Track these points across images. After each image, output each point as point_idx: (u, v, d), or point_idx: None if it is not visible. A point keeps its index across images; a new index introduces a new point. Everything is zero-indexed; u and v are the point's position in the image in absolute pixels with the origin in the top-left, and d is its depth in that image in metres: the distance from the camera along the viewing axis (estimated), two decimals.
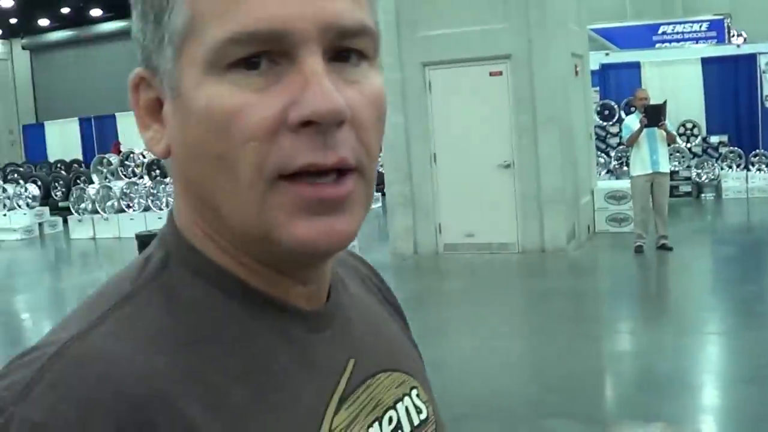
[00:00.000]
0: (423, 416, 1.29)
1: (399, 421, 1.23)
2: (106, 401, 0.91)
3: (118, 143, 32.19)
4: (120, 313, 1.02)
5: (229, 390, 1.01)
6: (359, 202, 1.04)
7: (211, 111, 0.98)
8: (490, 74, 15.16)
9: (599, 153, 22.27)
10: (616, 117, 24.30)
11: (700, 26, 31.93)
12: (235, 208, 1.01)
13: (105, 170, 26.82)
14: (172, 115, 1.05)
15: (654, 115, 14.00)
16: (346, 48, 1.02)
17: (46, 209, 27.62)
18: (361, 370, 1.19)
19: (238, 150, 0.97)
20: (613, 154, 23.76)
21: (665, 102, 14.54)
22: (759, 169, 22.43)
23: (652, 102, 14.50)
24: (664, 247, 14.60)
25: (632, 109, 16.29)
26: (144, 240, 8.63)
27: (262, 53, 0.97)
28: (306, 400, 1.08)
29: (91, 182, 26.65)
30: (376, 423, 1.19)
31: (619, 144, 23.09)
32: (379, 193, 21.66)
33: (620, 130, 20.00)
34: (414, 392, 1.29)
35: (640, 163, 14.43)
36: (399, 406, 1.24)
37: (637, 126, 14.23)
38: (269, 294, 1.10)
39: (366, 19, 1.03)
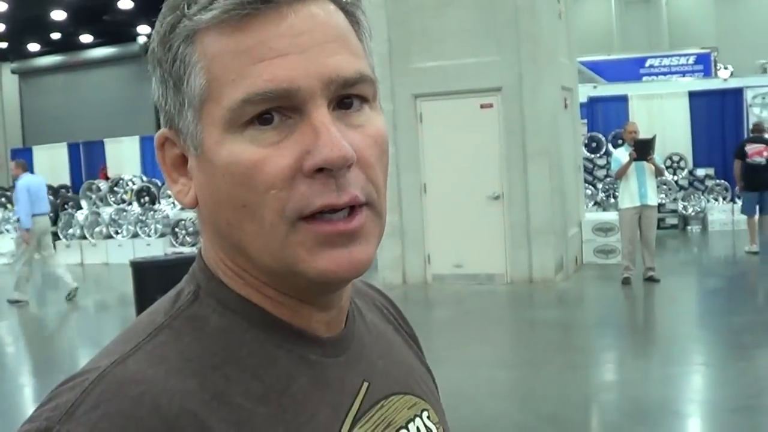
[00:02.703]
0: None
1: None
2: (142, 418, 1.03)
3: (105, 168, 32.05)
4: (155, 341, 1.14)
5: (252, 410, 1.11)
6: (372, 233, 1.16)
7: (233, 166, 1.10)
8: (481, 106, 15.23)
9: (586, 185, 22.31)
10: (604, 149, 24.37)
11: (687, 60, 32.08)
12: (261, 248, 1.13)
13: (94, 196, 26.72)
14: (197, 170, 1.17)
15: (643, 149, 14.08)
16: (348, 95, 1.14)
17: None
18: (374, 392, 1.28)
19: (260, 198, 1.09)
20: (600, 186, 23.83)
21: (654, 136, 14.63)
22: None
23: (642, 136, 14.59)
24: (651, 279, 14.66)
25: (620, 141, 16.35)
26: (138, 267, 8.62)
27: (273, 109, 1.09)
28: (322, 419, 1.17)
29: (80, 208, 26.51)
30: None
31: (607, 176, 23.21)
32: None
33: (608, 162, 20.13)
34: (425, 414, 1.37)
35: (628, 196, 14.48)
36: (410, 426, 1.32)
37: (626, 159, 14.31)
38: (290, 322, 1.21)
39: (364, 68, 1.15)
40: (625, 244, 14.89)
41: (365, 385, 1.27)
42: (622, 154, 14.62)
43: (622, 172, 14.34)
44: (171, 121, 1.18)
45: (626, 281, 14.65)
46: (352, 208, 1.11)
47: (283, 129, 1.10)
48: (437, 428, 1.39)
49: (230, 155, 1.10)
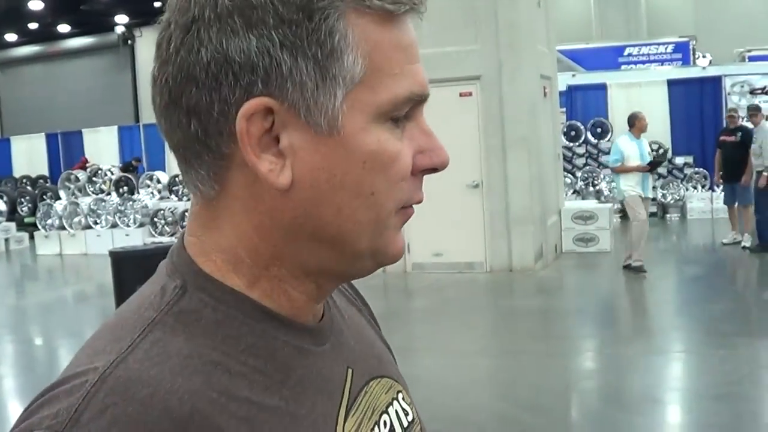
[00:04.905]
0: (410, 418, 1.40)
1: (392, 424, 1.33)
2: (154, 422, 0.97)
3: (86, 159, 31.95)
4: (150, 338, 1.07)
5: (260, 403, 1.08)
6: None
7: (379, 154, 1.11)
8: (460, 95, 15.22)
9: (566, 174, 22.35)
10: (583, 138, 24.42)
11: (666, 48, 32.14)
12: (362, 234, 1.15)
13: (72, 186, 26.64)
14: (312, 150, 1.10)
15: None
16: None
17: (13, 225, 27.37)
18: (357, 378, 1.28)
19: (391, 187, 1.13)
20: (579, 174, 23.89)
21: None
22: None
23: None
24: (629, 267, 14.65)
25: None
26: (117, 258, 8.56)
27: None
28: (320, 409, 1.17)
29: (58, 198, 26.46)
30: (376, 426, 1.29)
31: (586, 165, 23.24)
32: None
33: (587, 151, 19.99)
34: (400, 396, 1.40)
35: (632, 185, 14.28)
36: (390, 410, 1.34)
37: (629, 149, 14.33)
38: (282, 313, 1.17)
39: None
40: (640, 228, 14.55)
41: (350, 371, 1.27)
42: (625, 144, 14.54)
43: (626, 171, 14.25)
44: (281, 90, 1.07)
45: (640, 269, 14.57)
46: None
47: (402, 128, 1.14)
48: (411, 409, 1.42)
49: (378, 143, 1.11)
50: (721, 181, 18.16)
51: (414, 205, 1.19)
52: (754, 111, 17.44)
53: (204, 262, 1.17)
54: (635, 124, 14.91)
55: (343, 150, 1.09)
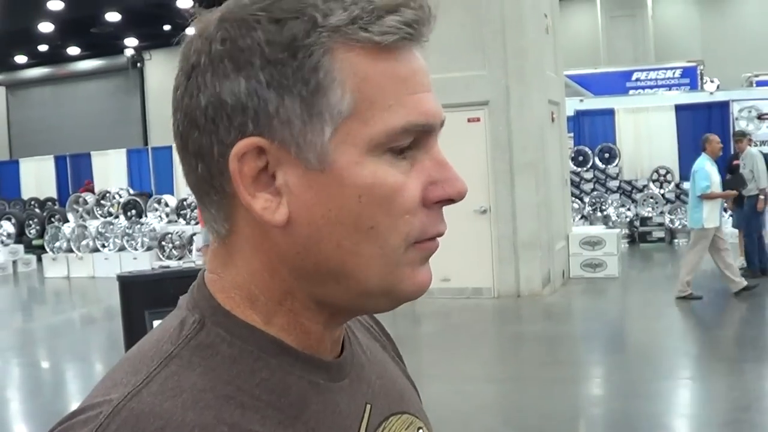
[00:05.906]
0: None
1: None
2: None
3: (91, 183, 31.96)
4: (165, 372, 1.09)
5: None
6: None
7: (376, 187, 1.10)
8: (468, 120, 15.20)
9: (573, 199, 22.34)
10: (590, 163, 24.42)
11: (673, 73, 32.10)
12: (371, 270, 1.13)
13: (81, 209, 26.66)
14: (305, 186, 1.11)
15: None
16: None
17: (21, 247, 27.39)
18: (376, 414, 1.28)
19: (392, 222, 1.11)
20: (587, 200, 23.86)
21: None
22: (731, 216, 22.52)
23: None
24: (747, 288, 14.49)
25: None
26: (125, 282, 8.53)
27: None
28: None
29: (66, 221, 26.48)
30: None
31: (594, 190, 23.16)
32: None
33: (605, 176, 19.87)
34: None
35: (714, 217, 14.08)
36: None
37: (715, 176, 14.20)
38: (299, 349, 1.18)
39: None
40: (696, 261, 14.42)
41: (368, 407, 1.27)
42: (711, 170, 14.29)
43: (718, 197, 14.21)
44: (270, 129, 1.10)
45: (695, 297, 14.38)
46: None
47: (410, 159, 1.13)
48: None
49: (374, 176, 1.10)
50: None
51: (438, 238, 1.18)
52: (739, 137, 17.57)
53: (224, 299, 1.18)
54: (707, 147, 14.66)
55: (336, 185, 1.10)
